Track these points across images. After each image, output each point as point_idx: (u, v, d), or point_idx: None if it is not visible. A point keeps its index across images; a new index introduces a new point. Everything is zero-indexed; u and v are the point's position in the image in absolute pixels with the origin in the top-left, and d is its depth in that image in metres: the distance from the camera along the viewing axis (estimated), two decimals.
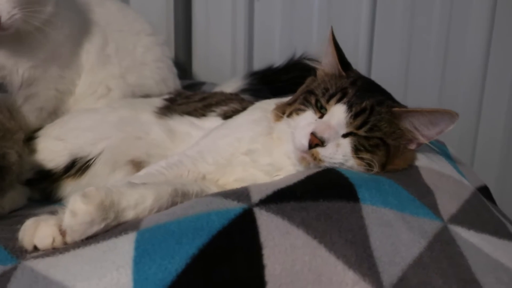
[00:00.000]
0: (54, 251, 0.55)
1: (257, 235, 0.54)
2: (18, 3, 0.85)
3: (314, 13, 1.49)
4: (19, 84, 0.98)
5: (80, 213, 0.57)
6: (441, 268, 0.58)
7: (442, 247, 0.60)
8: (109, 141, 0.90)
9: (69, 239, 0.57)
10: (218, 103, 1.00)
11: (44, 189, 0.89)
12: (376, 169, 0.72)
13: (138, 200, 0.63)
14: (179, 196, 0.69)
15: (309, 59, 1.28)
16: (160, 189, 0.67)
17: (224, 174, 0.80)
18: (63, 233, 0.58)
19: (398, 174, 0.71)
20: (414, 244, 0.59)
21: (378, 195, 0.63)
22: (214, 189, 0.77)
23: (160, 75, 1.16)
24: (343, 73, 0.80)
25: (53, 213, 0.61)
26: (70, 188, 0.88)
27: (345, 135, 0.73)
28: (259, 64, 1.49)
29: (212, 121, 0.95)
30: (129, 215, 0.61)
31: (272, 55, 1.50)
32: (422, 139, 0.75)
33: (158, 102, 1.01)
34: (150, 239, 0.53)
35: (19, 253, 0.56)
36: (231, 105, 0.99)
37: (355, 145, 0.72)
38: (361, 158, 0.72)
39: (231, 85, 1.29)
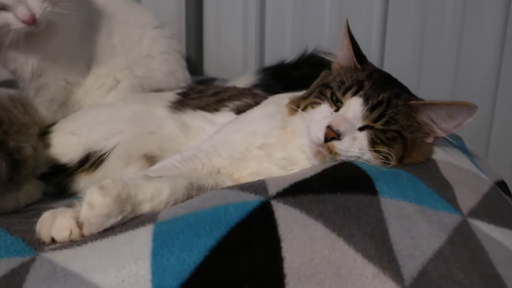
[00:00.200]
0: (71, 243, 0.55)
1: (275, 228, 0.53)
2: None
3: (326, 7, 1.48)
4: (30, 76, 1.00)
5: (98, 206, 0.56)
6: (461, 262, 0.57)
7: (463, 241, 0.59)
8: (122, 136, 0.90)
9: (86, 231, 0.57)
10: (231, 98, 0.99)
11: (59, 183, 0.89)
12: (393, 162, 0.71)
13: (154, 193, 0.62)
14: (195, 190, 0.69)
15: (322, 53, 1.28)
16: (176, 182, 0.67)
17: (239, 168, 0.80)
18: (80, 225, 0.57)
19: (416, 167, 0.70)
20: (434, 237, 0.58)
21: (397, 188, 0.63)
22: (229, 183, 0.77)
23: (168, 67, 1.16)
24: (359, 66, 0.79)
25: (69, 206, 0.61)
26: (84, 182, 0.88)
27: (361, 128, 0.72)
28: (270, 60, 1.49)
29: (225, 116, 0.94)
30: (146, 208, 0.61)
31: (284, 50, 1.49)
32: (440, 132, 0.74)
33: (171, 96, 1.00)
34: (167, 231, 0.53)
35: (37, 245, 0.56)
36: (244, 100, 0.99)
37: (371, 138, 0.71)
38: (378, 152, 0.71)
39: (243, 81, 1.29)
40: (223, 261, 0.50)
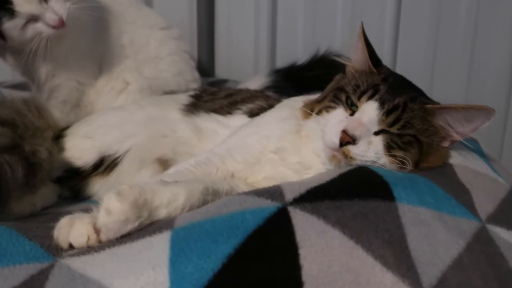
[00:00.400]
0: (89, 249, 0.55)
1: (292, 235, 0.53)
2: None
3: (338, 7, 1.47)
4: (44, 77, 1.01)
5: (115, 211, 0.57)
6: (481, 269, 0.56)
7: (482, 248, 0.59)
8: (136, 139, 0.90)
9: (103, 237, 0.57)
10: (243, 100, 0.99)
11: (73, 186, 0.90)
12: (409, 167, 0.70)
13: (170, 198, 0.62)
14: (210, 194, 0.69)
15: (334, 55, 1.27)
16: (192, 187, 0.67)
17: (253, 172, 0.80)
18: (97, 231, 0.58)
19: (433, 172, 0.69)
20: (453, 244, 0.57)
21: (414, 193, 0.62)
22: (243, 187, 0.77)
23: (177, 68, 1.16)
24: (374, 70, 0.78)
25: (86, 210, 0.62)
26: (98, 186, 0.89)
27: (377, 133, 0.71)
28: (281, 61, 1.48)
29: (238, 119, 0.94)
30: (162, 213, 0.61)
31: (295, 51, 1.49)
32: (456, 136, 0.74)
33: (184, 99, 1.00)
34: (185, 238, 0.53)
35: (55, 251, 0.56)
36: (256, 103, 0.98)
37: (387, 143, 0.71)
38: (394, 156, 0.71)
39: (255, 83, 1.29)
40: (241, 268, 0.50)
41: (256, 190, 0.63)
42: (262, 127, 0.84)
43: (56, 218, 0.60)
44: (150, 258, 0.51)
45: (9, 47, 0.95)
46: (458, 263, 0.56)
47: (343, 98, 0.75)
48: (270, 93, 1.23)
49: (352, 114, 0.74)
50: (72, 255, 0.54)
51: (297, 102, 0.87)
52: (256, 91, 1.12)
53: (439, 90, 1.42)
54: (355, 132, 0.70)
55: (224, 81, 1.43)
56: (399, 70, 1.43)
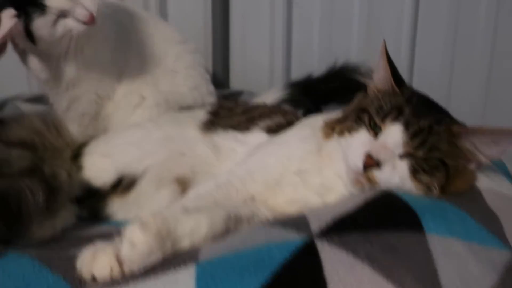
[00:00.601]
0: (113, 283, 0.54)
1: (320, 270, 0.52)
2: None
3: (354, 18, 1.45)
4: (65, 85, 0.99)
5: (139, 244, 0.56)
6: None
7: None
8: (154, 158, 0.89)
9: (127, 269, 0.56)
10: (261, 116, 0.98)
11: (92, 206, 0.89)
12: (435, 191, 0.69)
13: (193, 227, 0.62)
14: (232, 221, 0.68)
15: (351, 68, 1.26)
16: (214, 214, 0.66)
17: (274, 194, 0.78)
18: (120, 262, 0.57)
19: (460, 197, 0.68)
20: (485, 278, 0.56)
21: (443, 223, 0.60)
22: (265, 211, 0.76)
23: (193, 82, 1.15)
24: (397, 90, 0.76)
25: (107, 236, 0.61)
26: (117, 206, 0.88)
27: (402, 156, 0.70)
28: (297, 72, 1.47)
29: (256, 136, 0.93)
30: (185, 243, 0.60)
31: (311, 62, 1.47)
32: (484, 159, 0.72)
33: (202, 115, 0.99)
34: (211, 273, 0.52)
35: (78, 284, 0.55)
36: (274, 119, 0.97)
37: (412, 167, 0.69)
38: (419, 181, 0.69)
39: (271, 96, 1.28)
40: None
41: (281, 220, 0.62)
42: (282, 147, 0.83)
43: (77, 244, 0.60)
44: None
45: (36, 50, 0.93)
46: None
47: (366, 119, 0.74)
48: (286, 106, 1.22)
49: (375, 136, 0.72)
50: None
51: (318, 120, 0.86)
52: (273, 106, 1.11)
53: (457, 100, 1.40)
54: (380, 156, 0.69)
55: (239, 93, 1.42)
56: (416, 80, 1.42)
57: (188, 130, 0.94)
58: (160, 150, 0.90)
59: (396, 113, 0.72)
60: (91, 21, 0.88)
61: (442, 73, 1.42)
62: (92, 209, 0.89)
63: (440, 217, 0.61)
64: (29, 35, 0.87)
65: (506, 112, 1.36)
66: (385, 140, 0.70)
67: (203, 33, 1.49)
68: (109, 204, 0.89)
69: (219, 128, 0.95)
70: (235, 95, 1.40)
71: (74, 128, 1.02)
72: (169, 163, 0.89)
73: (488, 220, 0.64)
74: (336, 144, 0.77)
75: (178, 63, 1.14)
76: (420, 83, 1.35)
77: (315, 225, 0.58)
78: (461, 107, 1.28)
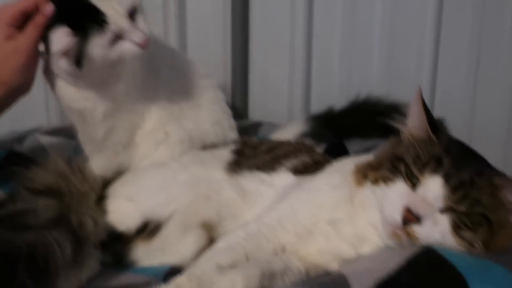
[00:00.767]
0: None
1: None
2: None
3: (374, 49, 1.44)
4: (102, 116, 0.95)
5: None
6: None
7: None
8: (180, 202, 0.87)
9: None
10: (287, 155, 0.96)
11: (116, 251, 0.87)
12: (478, 248, 0.66)
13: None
14: (267, 278, 0.66)
15: (373, 103, 1.24)
16: (249, 272, 0.64)
17: (305, 245, 0.76)
18: None
19: (506, 256, 0.65)
20: None
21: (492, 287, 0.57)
22: (297, 263, 0.74)
23: (215, 118, 1.14)
24: (435, 139, 0.74)
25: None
26: (141, 251, 0.86)
27: (442, 211, 0.67)
28: (317, 103, 1.45)
29: (282, 177, 0.91)
30: None
31: (331, 92, 1.46)
32: None
33: (227, 155, 0.98)
34: None
35: None
36: (301, 158, 0.95)
37: (454, 222, 0.67)
38: (462, 237, 0.66)
39: (292, 129, 1.26)
40: None
41: (318, 282, 0.59)
42: (313, 195, 0.81)
43: None
44: None
45: (75, 75, 0.85)
46: None
47: (403, 169, 0.72)
48: (308, 140, 1.20)
49: (413, 187, 0.70)
50: None
51: (348, 165, 0.84)
52: (297, 143, 1.09)
53: (480, 132, 1.37)
54: (420, 210, 0.66)
55: (259, 124, 1.40)
56: (438, 106, 1.40)
57: (214, 172, 0.92)
58: (186, 193, 0.88)
59: (435, 164, 0.70)
60: (147, 44, 0.82)
61: (463, 105, 1.40)
62: (116, 254, 0.87)
63: (488, 281, 0.58)
64: (81, 57, 0.81)
65: None
66: (424, 193, 0.68)
67: (222, 62, 1.48)
68: (133, 249, 0.86)
69: (245, 169, 0.93)
70: (255, 126, 1.38)
71: (103, 160, 0.99)
72: (195, 207, 0.87)
73: None
74: (369, 192, 0.75)
75: (202, 97, 1.12)
76: (441, 115, 1.34)
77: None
78: (483, 142, 1.25)
